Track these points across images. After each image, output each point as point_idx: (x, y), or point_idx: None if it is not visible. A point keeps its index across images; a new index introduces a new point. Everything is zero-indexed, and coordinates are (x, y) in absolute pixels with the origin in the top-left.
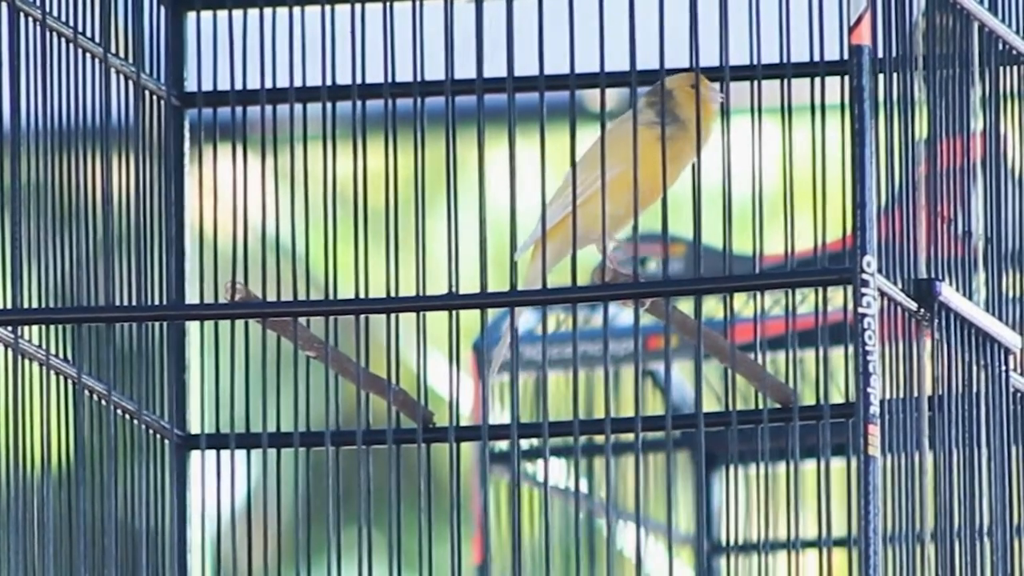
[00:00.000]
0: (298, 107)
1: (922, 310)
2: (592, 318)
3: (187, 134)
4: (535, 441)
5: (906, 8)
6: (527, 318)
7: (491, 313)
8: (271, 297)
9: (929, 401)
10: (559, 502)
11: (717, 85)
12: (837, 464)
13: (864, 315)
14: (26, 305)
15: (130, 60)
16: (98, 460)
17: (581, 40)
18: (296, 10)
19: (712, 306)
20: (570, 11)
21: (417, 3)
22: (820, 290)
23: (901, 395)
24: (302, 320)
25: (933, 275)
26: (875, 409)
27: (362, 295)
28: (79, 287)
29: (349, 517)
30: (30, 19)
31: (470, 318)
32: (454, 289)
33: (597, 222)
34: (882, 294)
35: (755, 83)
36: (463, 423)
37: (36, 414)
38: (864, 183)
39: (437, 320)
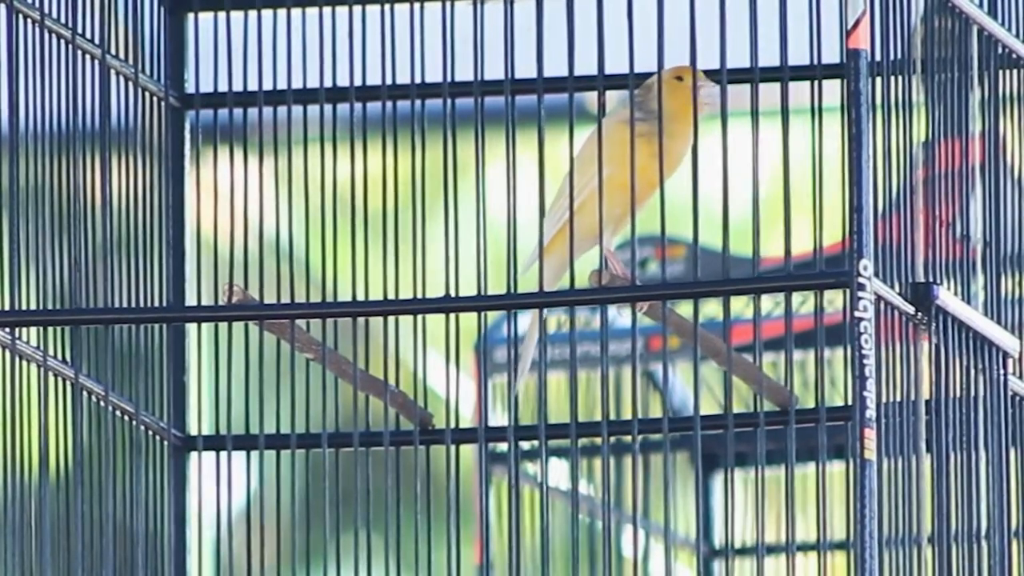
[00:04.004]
0: (297, 109)
1: (920, 314)
2: (592, 319)
3: (186, 136)
4: (534, 442)
5: (905, 11)
6: (527, 319)
7: (491, 314)
8: (270, 299)
9: (927, 405)
10: (559, 503)
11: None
12: (836, 467)
13: (860, 319)
14: (24, 307)
15: (129, 61)
16: (96, 462)
17: (580, 42)
18: (295, 12)
19: (710, 309)
20: (569, 13)
21: (416, 5)
22: (818, 293)
23: (899, 399)
24: (301, 322)
25: (931, 279)
26: (871, 413)
27: (360, 297)
28: (77, 289)
29: (348, 519)
30: (28, 20)
31: (470, 320)
32: (452, 292)
33: (594, 226)
34: (879, 298)
35: (754, 86)
36: (464, 425)
37: (34, 416)
38: (861, 187)
39: (436, 321)
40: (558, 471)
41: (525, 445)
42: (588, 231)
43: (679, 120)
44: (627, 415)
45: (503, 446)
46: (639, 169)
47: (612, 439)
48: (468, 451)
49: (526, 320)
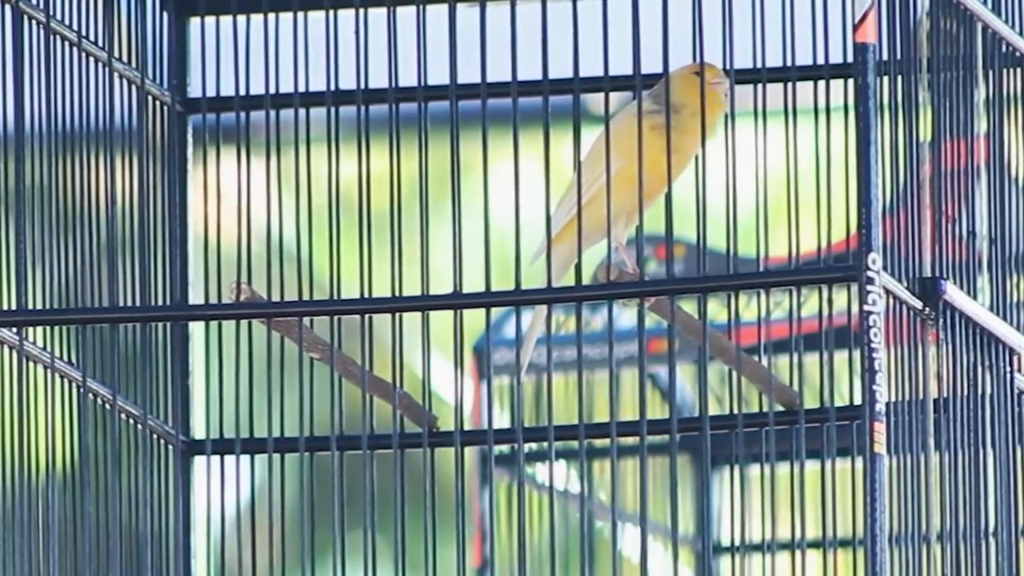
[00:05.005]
0: (301, 111)
1: (927, 309)
2: (592, 320)
3: (190, 138)
4: (534, 444)
5: (910, 10)
6: (528, 319)
7: (493, 314)
8: (275, 299)
9: (934, 401)
10: (559, 504)
11: (723, 76)
12: (840, 466)
13: (869, 313)
14: (30, 307)
15: (134, 65)
16: (102, 464)
17: (585, 43)
18: (299, 15)
19: (715, 308)
20: (574, 14)
21: (421, 7)
22: (824, 290)
23: (906, 395)
24: (306, 323)
25: (938, 275)
26: (881, 407)
27: (367, 296)
28: (83, 289)
29: (352, 521)
30: (34, 23)
31: (470, 321)
32: (458, 289)
33: (603, 219)
34: (887, 292)
35: (759, 86)
36: (464, 426)
37: (41, 417)
38: (869, 180)
39: (439, 322)
40: (556, 472)
41: (525, 447)
42: (597, 224)
43: (695, 114)
44: (625, 416)
45: (503, 448)
46: (651, 162)
47: (608, 441)
48: (468, 453)
49: (528, 319)
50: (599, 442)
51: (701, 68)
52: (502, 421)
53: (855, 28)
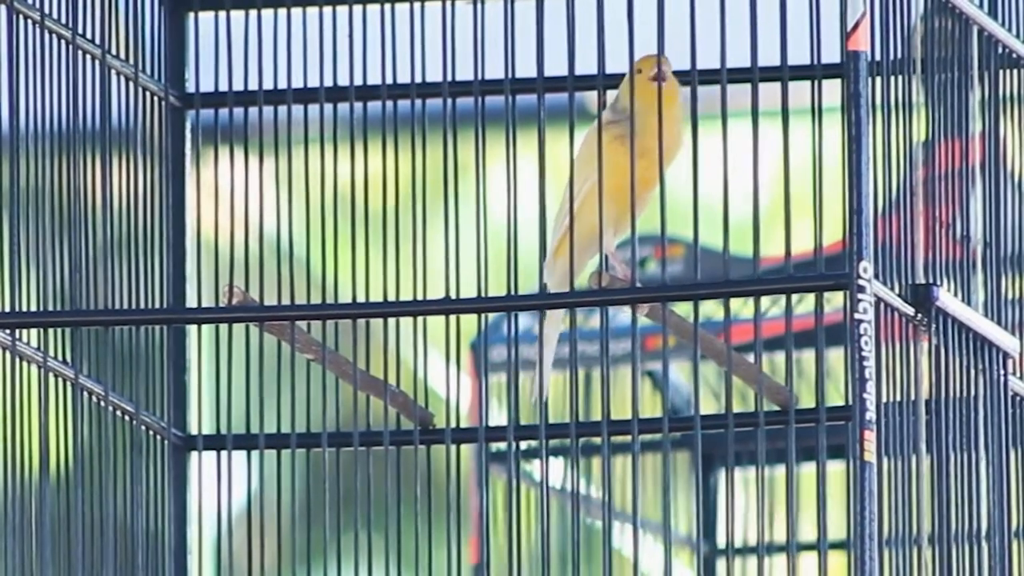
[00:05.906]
0: (298, 109)
1: (920, 315)
2: (591, 318)
3: (187, 135)
4: (533, 442)
5: (905, 11)
6: (526, 320)
7: (491, 314)
8: (270, 299)
9: (927, 405)
10: (558, 503)
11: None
12: (835, 467)
13: (860, 321)
14: (24, 308)
15: (130, 61)
16: (96, 461)
17: (580, 42)
18: (296, 11)
19: (710, 308)
20: (569, 13)
21: (416, 4)
22: (817, 295)
23: (899, 399)
24: (301, 323)
25: (931, 279)
26: (871, 415)
27: (360, 298)
28: (77, 290)
29: (349, 519)
30: (28, 20)
31: (470, 320)
32: (452, 293)
33: (591, 231)
34: (879, 300)
35: (754, 86)
36: (461, 423)
37: (34, 416)
38: (860, 189)
39: (437, 321)
40: (556, 471)
41: (523, 445)
42: (587, 236)
43: (644, 114)
44: (627, 415)
45: (501, 445)
46: (621, 172)
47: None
48: (466, 451)
49: (526, 321)
50: (598, 440)
51: (658, 62)
52: (502, 418)
53: (847, 36)
